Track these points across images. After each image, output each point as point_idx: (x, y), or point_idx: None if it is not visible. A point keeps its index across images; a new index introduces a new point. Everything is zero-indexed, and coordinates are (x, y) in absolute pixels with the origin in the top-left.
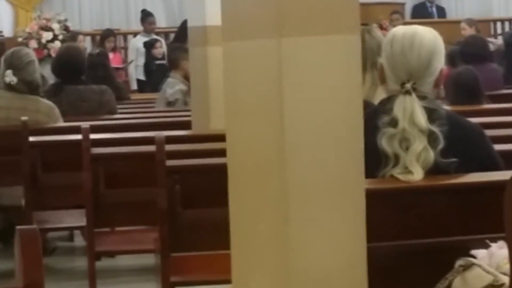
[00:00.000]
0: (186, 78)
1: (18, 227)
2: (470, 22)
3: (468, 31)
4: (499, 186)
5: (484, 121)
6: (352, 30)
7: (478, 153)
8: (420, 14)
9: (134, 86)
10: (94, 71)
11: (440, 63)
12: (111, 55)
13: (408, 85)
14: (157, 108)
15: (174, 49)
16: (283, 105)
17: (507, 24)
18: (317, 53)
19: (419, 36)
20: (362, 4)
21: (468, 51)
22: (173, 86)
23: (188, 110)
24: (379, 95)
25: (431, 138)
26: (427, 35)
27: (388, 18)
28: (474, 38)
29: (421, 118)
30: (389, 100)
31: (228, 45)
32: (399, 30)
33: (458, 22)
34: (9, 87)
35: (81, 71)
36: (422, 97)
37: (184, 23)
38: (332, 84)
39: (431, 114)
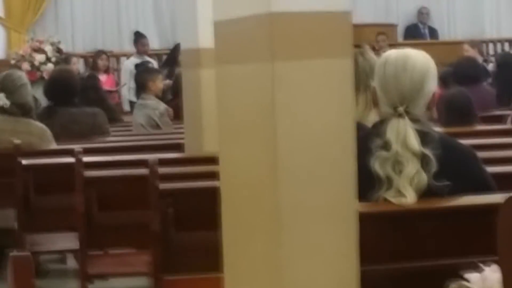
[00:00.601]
0: (157, 97)
1: (11, 254)
2: (473, 43)
3: (471, 52)
4: (492, 209)
5: (477, 142)
6: (344, 54)
7: (471, 176)
8: (413, 35)
9: (127, 107)
10: (85, 93)
11: (432, 86)
12: (104, 77)
13: (401, 109)
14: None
15: (139, 73)
16: (276, 127)
17: (499, 45)
18: (310, 77)
19: (411, 60)
20: (354, 26)
21: (461, 72)
22: (146, 107)
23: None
24: (372, 118)
25: (424, 161)
26: (420, 58)
27: (374, 40)
28: (467, 59)
29: (414, 141)
30: (382, 123)
31: (221, 68)
32: (392, 53)
33: (451, 43)
34: (1, 110)
35: (74, 94)
36: (415, 120)
37: (176, 47)
38: (324, 107)
39: (424, 137)
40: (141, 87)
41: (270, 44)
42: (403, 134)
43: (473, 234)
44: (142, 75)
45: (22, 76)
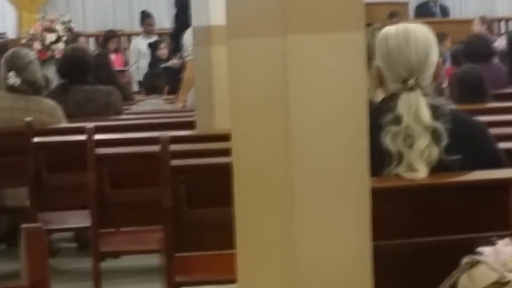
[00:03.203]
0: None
1: (24, 225)
2: (484, 20)
3: (479, 28)
4: (505, 184)
5: (489, 119)
6: (357, 27)
7: (481, 150)
8: (424, 13)
9: (135, 88)
10: (95, 72)
11: (435, 56)
12: (113, 57)
13: (412, 81)
14: None
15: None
16: (288, 102)
17: (511, 23)
18: (322, 51)
19: (412, 32)
20: (366, 4)
21: (472, 50)
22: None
23: (192, 111)
24: (378, 97)
25: (435, 135)
26: (419, 30)
27: (388, 21)
28: (478, 37)
29: (426, 114)
30: (391, 98)
31: (233, 43)
32: (391, 29)
33: (462, 21)
34: (12, 88)
35: (88, 72)
36: (425, 94)
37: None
38: (337, 82)
39: (435, 111)
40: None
41: (282, 18)
42: (415, 107)
43: (486, 209)
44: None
45: (29, 52)
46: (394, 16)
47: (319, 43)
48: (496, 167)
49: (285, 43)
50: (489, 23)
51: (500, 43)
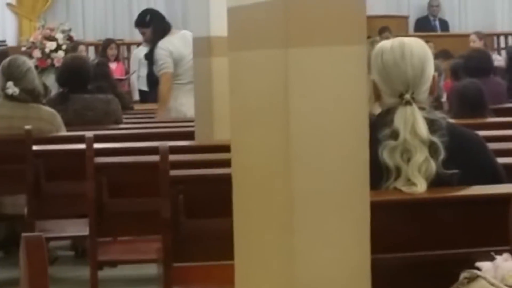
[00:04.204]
0: None
1: (23, 234)
2: (480, 35)
3: (477, 43)
4: (504, 198)
5: (488, 134)
6: (359, 41)
7: (479, 163)
8: (423, 27)
9: (136, 96)
10: (95, 81)
11: (431, 70)
12: (114, 65)
13: (408, 96)
14: None
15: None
16: (289, 115)
17: (510, 38)
18: (324, 64)
19: (407, 46)
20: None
21: (471, 64)
22: None
23: (192, 121)
24: (376, 110)
25: (432, 149)
26: (415, 44)
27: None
28: (478, 52)
29: (423, 129)
30: (388, 113)
31: (234, 55)
32: (386, 43)
33: (461, 36)
34: (11, 97)
35: (87, 80)
36: (421, 108)
37: None
38: (338, 95)
39: (431, 124)
40: None
41: (284, 31)
42: (412, 121)
43: (485, 223)
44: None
45: (26, 60)
46: (384, 31)
47: (321, 56)
48: (494, 180)
49: (286, 56)
50: (485, 38)
51: (496, 58)
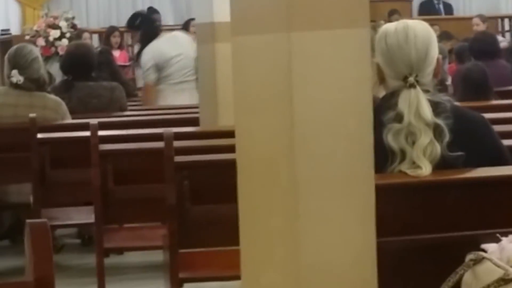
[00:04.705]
0: None
1: (28, 220)
2: (483, 18)
3: (481, 26)
4: (509, 180)
5: (493, 116)
6: (362, 24)
7: (484, 144)
8: (427, 11)
9: (141, 83)
10: (98, 69)
11: (435, 52)
12: (117, 53)
13: (411, 78)
14: None
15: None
16: (292, 99)
17: None
18: (327, 47)
19: (411, 28)
20: (370, 1)
21: (477, 47)
22: None
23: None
24: (381, 93)
25: (437, 132)
26: (419, 27)
27: (387, 19)
28: (484, 34)
29: (427, 111)
30: (392, 96)
31: (237, 39)
32: (390, 26)
33: (465, 19)
34: (16, 85)
35: (91, 68)
36: (425, 91)
37: (187, 23)
38: (341, 78)
39: (436, 107)
40: None
41: (286, 14)
42: (416, 104)
43: (490, 205)
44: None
45: (32, 49)
46: (394, 14)
47: (324, 40)
48: (500, 162)
49: (289, 40)
50: (488, 21)
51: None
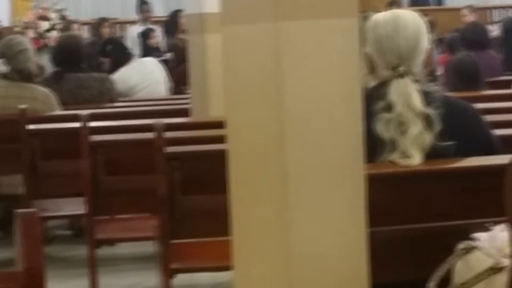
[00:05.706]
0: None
1: (17, 210)
2: (472, 9)
3: (468, 17)
4: (499, 170)
5: (484, 106)
6: (350, 13)
7: (474, 134)
8: (419, 1)
9: None
10: (89, 60)
11: (425, 42)
12: None
13: (401, 69)
14: None
15: None
16: (281, 89)
17: (504, 12)
18: (315, 37)
19: (402, 19)
20: None
21: (468, 37)
22: None
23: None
24: (371, 83)
25: (427, 121)
26: (409, 17)
27: (386, 9)
28: (475, 25)
29: (417, 101)
30: (382, 85)
31: (227, 29)
32: (380, 16)
33: (456, 10)
34: (4, 76)
35: (81, 59)
36: (415, 80)
37: (174, 14)
38: (330, 68)
39: (426, 97)
40: None
41: (275, 4)
42: (406, 94)
43: (481, 195)
44: None
45: (23, 41)
46: (393, 4)
47: (313, 30)
48: (490, 151)
49: (278, 30)
50: (477, 12)
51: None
